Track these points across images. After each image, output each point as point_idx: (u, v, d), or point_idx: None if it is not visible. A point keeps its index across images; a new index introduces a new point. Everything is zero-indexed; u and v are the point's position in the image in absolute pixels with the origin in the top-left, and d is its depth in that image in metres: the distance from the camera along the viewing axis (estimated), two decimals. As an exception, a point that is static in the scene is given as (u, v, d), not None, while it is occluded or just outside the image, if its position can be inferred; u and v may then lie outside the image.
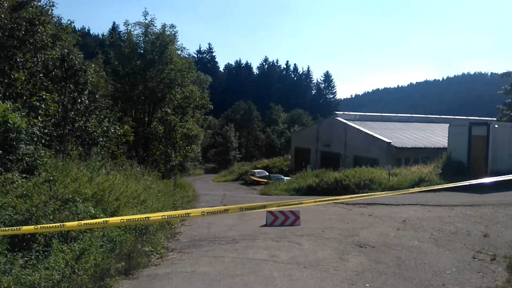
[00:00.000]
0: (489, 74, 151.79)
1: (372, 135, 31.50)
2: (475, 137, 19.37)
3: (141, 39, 28.68)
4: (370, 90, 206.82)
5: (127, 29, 28.65)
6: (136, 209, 8.66)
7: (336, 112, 42.36)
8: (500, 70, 26.38)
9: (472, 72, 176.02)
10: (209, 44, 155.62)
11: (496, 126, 19.74)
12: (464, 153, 19.54)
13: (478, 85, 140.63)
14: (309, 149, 40.32)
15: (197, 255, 7.54)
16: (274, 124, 78.95)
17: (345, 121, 35.72)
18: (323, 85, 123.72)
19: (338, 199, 4.63)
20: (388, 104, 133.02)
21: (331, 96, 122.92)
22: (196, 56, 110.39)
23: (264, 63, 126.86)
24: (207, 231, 9.99)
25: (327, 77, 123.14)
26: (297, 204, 4.58)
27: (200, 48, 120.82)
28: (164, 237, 8.68)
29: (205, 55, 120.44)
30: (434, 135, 33.79)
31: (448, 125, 22.63)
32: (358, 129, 33.41)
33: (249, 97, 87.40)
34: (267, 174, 39.58)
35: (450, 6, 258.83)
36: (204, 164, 64.95)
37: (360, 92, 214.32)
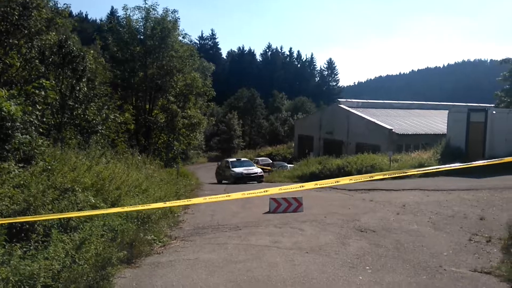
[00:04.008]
0: (488, 61, 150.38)
1: (374, 122, 31.31)
2: (473, 123, 19.27)
3: (141, 24, 28.08)
4: (372, 78, 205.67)
5: (126, 13, 28.03)
6: (138, 198, 8.57)
7: (339, 100, 42.00)
8: (499, 57, 25.94)
9: (472, 59, 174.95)
10: (212, 30, 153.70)
11: (494, 112, 19.60)
12: (463, 139, 19.48)
13: (478, 71, 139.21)
14: (312, 136, 40.08)
15: (200, 243, 7.51)
16: (277, 111, 78.37)
17: (347, 108, 35.44)
18: (327, 72, 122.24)
19: (338, 181, 4.52)
20: (390, 91, 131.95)
21: (334, 84, 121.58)
22: (198, 42, 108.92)
23: (267, 50, 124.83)
24: (211, 219, 9.96)
25: (330, 64, 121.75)
26: (296, 188, 4.47)
27: (202, 34, 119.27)
28: (167, 225, 8.61)
29: (207, 41, 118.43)
30: (434, 121, 33.53)
31: (447, 111, 22.46)
32: (361, 116, 33.18)
33: (252, 84, 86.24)
34: (271, 161, 39.46)
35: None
36: (208, 152, 64.81)
37: (363, 80, 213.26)
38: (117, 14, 37.94)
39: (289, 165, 32.92)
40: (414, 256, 6.33)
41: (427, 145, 23.36)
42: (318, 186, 4.57)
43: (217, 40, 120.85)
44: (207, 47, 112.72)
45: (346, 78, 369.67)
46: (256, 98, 78.46)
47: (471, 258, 6.20)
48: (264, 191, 4.45)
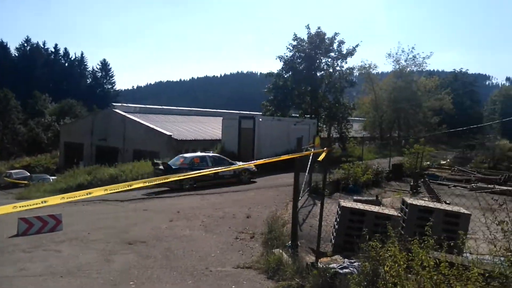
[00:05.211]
0: (258, 73, 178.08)
1: (152, 128, 31.89)
2: (244, 129, 22.20)
3: None
4: (152, 82, 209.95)
5: None
6: None
7: (114, 104, 40.82)
8: (266, 71, 31.27)
9: (245, 71, 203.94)
10: None
11: (260, 119, 23.15)
12: (235, 143, 22.15)
13: (250, 82, 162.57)
14: (82, 143, 37.96)
15: None
16: (39, 116, 69.49)
17: (124, 113, 35.08)
18: (100, 74, 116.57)
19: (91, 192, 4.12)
20: (171, 97, 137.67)
21: (110, 87, 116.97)
22: None
23: (25, 44, 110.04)
24: None
25: (105, 65, 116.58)
26: (37, 204, 3.82)
27: None
28: None
29: None
30: (212, 127, 36.80)
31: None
32: (138, 122, 33.36)
33: (5, 83, 73.70)
34: (28, 174, 34.70)
35: (225, 8, 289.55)
36: None
37: (143, 84, 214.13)
38: None
39: (51, 177, 30.08)
40: (182, 262, 6.56)
41: (205, 150, 25.35)
42: (66, 200, 4.03)
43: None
44: None
45: (124, 81, 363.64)
46: (10, 99, 67.17)
47: (236, 255, 6.90)
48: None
